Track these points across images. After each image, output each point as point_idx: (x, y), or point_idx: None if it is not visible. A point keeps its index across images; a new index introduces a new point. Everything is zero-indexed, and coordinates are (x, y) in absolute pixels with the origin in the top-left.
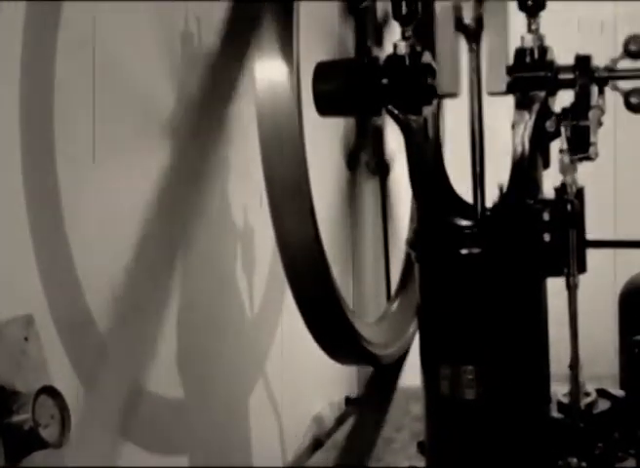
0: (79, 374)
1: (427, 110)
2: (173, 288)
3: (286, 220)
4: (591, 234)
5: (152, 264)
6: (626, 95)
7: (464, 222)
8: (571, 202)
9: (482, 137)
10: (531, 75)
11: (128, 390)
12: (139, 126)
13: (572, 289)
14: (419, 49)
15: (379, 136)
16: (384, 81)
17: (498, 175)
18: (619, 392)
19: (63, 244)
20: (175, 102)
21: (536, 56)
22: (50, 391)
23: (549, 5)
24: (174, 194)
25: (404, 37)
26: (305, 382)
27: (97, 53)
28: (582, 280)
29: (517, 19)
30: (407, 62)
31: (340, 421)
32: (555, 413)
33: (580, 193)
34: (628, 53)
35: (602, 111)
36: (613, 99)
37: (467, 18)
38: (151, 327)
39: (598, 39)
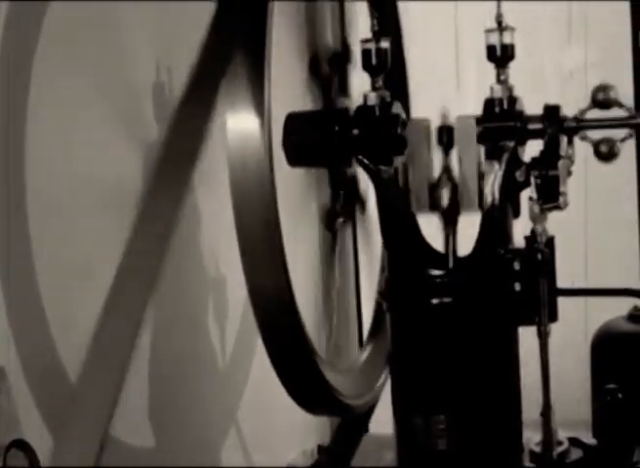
0: (49, 426)
1: (398, 160)
2: (144, 335)
3: (257, 269)
4: (563, 282)
5: (124, 312)
6: (596, 144)
7: (435, 272)
8: (541, 251)
9: (455, 184)
10: (500, 125)
11: (98, 440)
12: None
13: (543, 337)
14: (388, 99)
15: (350, 185)
16: (355, 132)
17: (469, 223)
18: (591, 441)
19: (33, 292)
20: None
21: (505, 106)
22: (21, 444)
23: (518, 53)
24: (145, 241)
25: (374, 88)
26: (278, 431)
27: None
28: (556, 325)
29: None
30: (377, 113)
31: None
32: (528, 463)
33: (550, 242)
34: (596, 103)
35: (571, 161)
36: (584, 148)
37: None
38: (122, 375)
39: (567, 87)
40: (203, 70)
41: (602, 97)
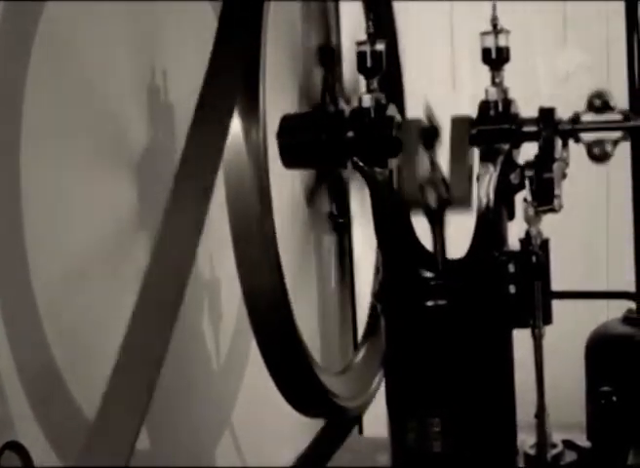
0: (43, 428)
1: (393, 162)
2: None
3: (251, 271)
4: (559, 285)
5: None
6: (589, 146)
7: (430, 274)
8: (536, 254)
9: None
10: (495, 128)
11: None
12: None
13: (537, 340)
14: (383, 101)
15: (343, 186)
16: (350, 134)
17: (465, 225)
18: (585, 443)
19: (27, 293)
20: (143, 149)
21: (500, 108)
22: (15, 446)
23: (513, 55)
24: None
25: (369, 90)
26: (273, 434)
27: None
28: (551, 328)
29: None
30: (372, 115)
31: None
32: (522, 465)
33: (545, 244)
34: (592, 108)
35: (566, 163)
36: (578, 151)
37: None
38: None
39: (562, 89)
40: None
41: (598, 103)
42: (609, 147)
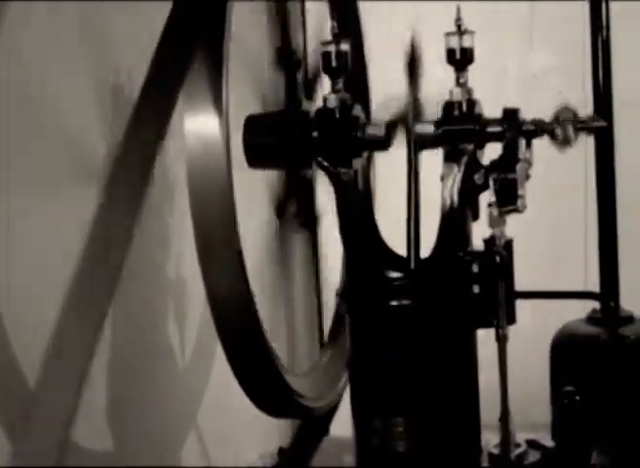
0: (6, 429)
1: (357, 163)
2: (103, 339)
3: (216, 273)
4: (525, 285)
5: (82, 314)
6: (551, 130)
7: (394, 274)
8: (499, 254)
9: (417, 189)
10: (459, 128)
11: (58, 444)
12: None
13: (501, 340)
14: (349, 102)
15: (309, 187)
16: (315, 134)
17: (431, 226)
18: (549, 443)
19: None
20: (104, 152)
21: (464, 109)
22: None
23: (479, 56)
24: (103, 244)
25: (334, 90)
26: (238, 433)
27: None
28: (517, 327)
29: None
30: (337, 115)
31: None
32: (486, 465)
33: (508, 245)
34: (559, 122)
35: (529, 164)
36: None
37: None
38: (81, 379)
39: (530, 90)
40: (160, 73)
41: (564, 117)
42: (570, 131)
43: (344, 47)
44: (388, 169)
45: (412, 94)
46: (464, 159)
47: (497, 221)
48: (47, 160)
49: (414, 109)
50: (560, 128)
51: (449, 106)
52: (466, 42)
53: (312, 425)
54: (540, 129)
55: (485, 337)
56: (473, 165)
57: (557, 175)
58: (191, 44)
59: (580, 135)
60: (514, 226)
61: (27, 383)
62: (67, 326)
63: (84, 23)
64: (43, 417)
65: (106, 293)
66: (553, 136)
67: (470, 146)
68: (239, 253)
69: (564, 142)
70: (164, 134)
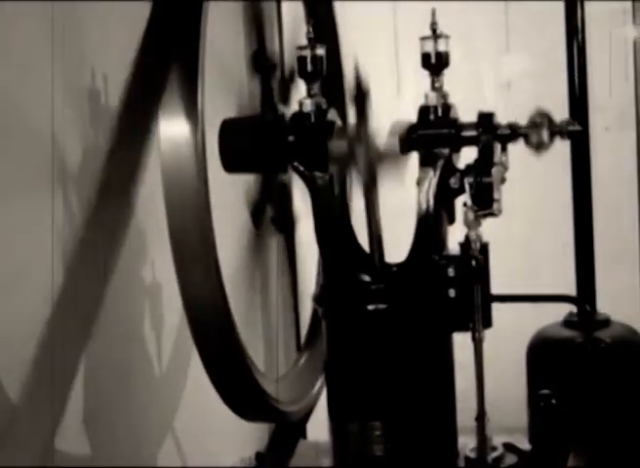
0: None
1: (333, 167)
2: (81, 344)
3: (191, 278)
4: (502, 288)
5: (59, 320)
6: (525, 135)
7: (371, 278)
8: (475, 258)
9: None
10: (434, 132)
11: (39, 451)
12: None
13: (477, 343)
14: (324, 106)
15: (285, 191)
16: (290, 138)
17: (405, 229)
18: (526, 446)
19: None
20: (80, 158)
21: (439, 113)
22: None
23: (455, 61)
24: (80, 249)
25: (309, 94)
26: (215, 437)
27: None
28: (493, 331)
29: None
30: (312, 120)
31: None
32: None
33: (484, 248)
34: (534, 125)
35: (505, 168)
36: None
37: None
38: (59, 385)
39: (505, 95)
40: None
41: (538, 120)
42: (545, 136)
43: (320, 51)
44: None
45: (361, 126)
46: (440, 163)
47: (472, 224)
48: (15, 162)
49: (364, 141)
50: (535, 132)
51: (424, 111)
52: (441, 46)
53: (288, 429)
54: (514, 133)
55: (462, 341)
56: (449, 169)
57: (534, 180)
58: (167, 45)
59: (555, 139)
60: (491, 230)
61: (9, 394)
62: (45, 333)
63: (57, 25)
64: (25, 426)
65: (84, 298)
66: (528, 141)
67: (446, 150)
68: (214, 259)
69: (538, 147)
70: (145, 136)
